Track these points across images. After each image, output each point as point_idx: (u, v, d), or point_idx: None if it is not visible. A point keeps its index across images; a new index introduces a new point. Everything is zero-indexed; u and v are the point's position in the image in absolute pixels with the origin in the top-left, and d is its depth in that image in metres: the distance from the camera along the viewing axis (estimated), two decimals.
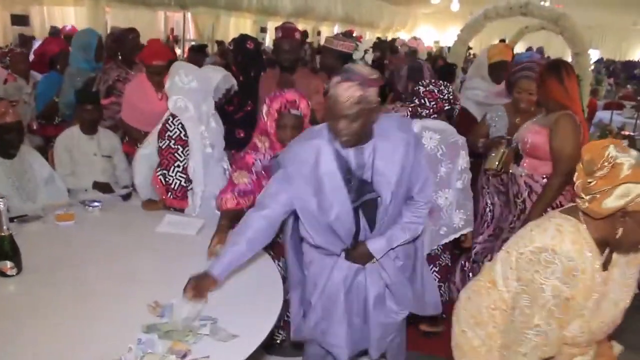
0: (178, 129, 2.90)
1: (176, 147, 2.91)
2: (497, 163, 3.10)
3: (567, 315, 1.64)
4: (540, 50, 9.16)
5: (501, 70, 4.08)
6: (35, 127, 4.60)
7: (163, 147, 2.92)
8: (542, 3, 8.26)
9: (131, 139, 3.81)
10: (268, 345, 2.98)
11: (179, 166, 2.92)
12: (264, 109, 2.62)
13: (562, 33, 6.88)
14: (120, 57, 4.07)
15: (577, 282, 1.60)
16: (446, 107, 2.90)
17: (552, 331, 1.64)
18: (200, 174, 2.93)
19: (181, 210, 2.97)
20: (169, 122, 2.92)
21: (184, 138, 2.90)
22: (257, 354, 2.91)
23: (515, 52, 6.51)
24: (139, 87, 3.72)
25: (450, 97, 2.92)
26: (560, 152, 2.73)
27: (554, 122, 2.75)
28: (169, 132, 2.90)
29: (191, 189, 2.95)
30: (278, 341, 3.02)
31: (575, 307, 1.64)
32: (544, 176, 2.87)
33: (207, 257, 2.32)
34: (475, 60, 4.91)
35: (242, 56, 3.79)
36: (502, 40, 10.94)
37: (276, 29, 3.72)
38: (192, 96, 2.91)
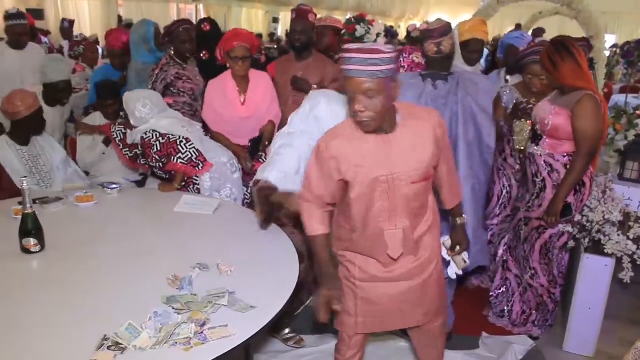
0: (153, 133, 3.03)
1: (166, 138, 3.01)
2: (525, 142, 3.15)
3: None
4: (539, 32, 8.95)
5: (472, 51, 3.51)
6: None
7: (158, 148, 3.01)
8: None
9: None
10: (276, 328, 3.03)
11: (181, 142, 3.02)
12: None
13: (577, 17, 6.81)
14: (172, 52, 3.80)
15: None
16: None
17: None
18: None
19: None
20: (145, 134, 3.03)
21: (163, 132, 3.03)
22: (265, 339, 2.99)
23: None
24: (221, 88, 3.42)
25: None
26: (584, 133, 2.73)
27: (577, 104, 2.73)
28: (151, 139, 3.02)
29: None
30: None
31: None
32: (565, 154, 2.88)
33: None
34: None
35: (196, 37, 3.84)
36: (518, 26, 10.84)
37: (292, 10, 3.71)
38: (153, 117, 3.06)
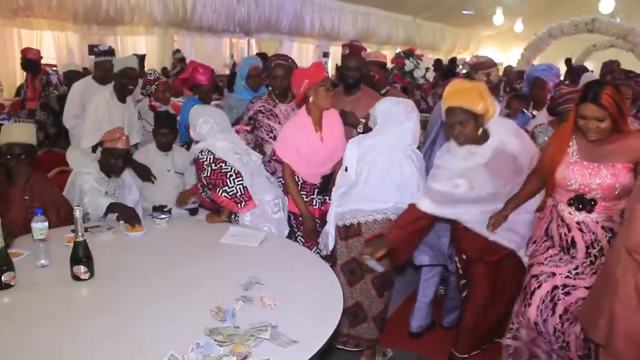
0: (208, 155, 3.04)
1: (218, 165, 3.02)
2: None
3: None
4: (610, 65, 8.73)
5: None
6: None
7: (208, 174, 3.03)
8: (611, 19, 7.99)
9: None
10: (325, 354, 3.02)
11: (231, 175, 3.02)
12: None
13: (632, 49, 6.64)
14: (270, 88, 3.66)
15: None
16: None
17: None
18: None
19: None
20: (201, 154, 3.05)
21: (218, 157, 3.03)
22: None
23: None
24: (302, 129, 3.14)
25: None
26: None
27: None
28: (204, 162, 3.03)
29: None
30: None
31: None
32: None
33: None
34: None
35: None
36: (569, 60, 10.65)
37: (343, 46, 3.70)
38: (212, 136, 3.09)
